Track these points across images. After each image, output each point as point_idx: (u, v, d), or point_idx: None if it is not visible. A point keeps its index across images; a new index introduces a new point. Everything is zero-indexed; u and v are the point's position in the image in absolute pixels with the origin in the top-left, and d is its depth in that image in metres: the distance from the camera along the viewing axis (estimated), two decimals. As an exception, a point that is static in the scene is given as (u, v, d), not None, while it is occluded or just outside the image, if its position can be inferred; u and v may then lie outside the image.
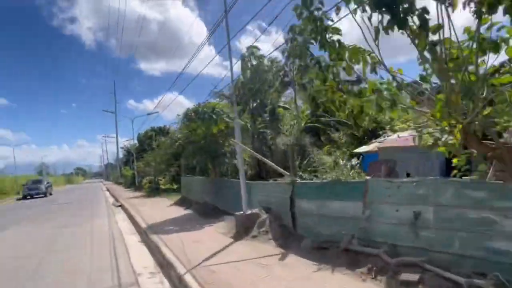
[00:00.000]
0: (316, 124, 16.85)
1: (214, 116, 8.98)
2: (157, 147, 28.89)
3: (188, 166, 14.19)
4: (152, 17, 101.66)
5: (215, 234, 6.85)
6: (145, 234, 7.65)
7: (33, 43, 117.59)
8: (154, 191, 19.14)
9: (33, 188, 27.39)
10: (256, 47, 14.60)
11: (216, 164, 9.61)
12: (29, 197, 26.95)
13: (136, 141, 55.96)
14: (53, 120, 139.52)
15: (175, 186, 20.45)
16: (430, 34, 3.03)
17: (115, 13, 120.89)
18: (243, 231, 6.33)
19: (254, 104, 14.66)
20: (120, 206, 15.26)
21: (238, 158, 6.73)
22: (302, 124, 17.43)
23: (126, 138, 76.28)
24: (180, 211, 10.68)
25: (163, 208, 12.03)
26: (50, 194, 30.55)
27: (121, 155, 55.65)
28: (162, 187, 20.25)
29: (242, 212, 6.58)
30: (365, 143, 21.68)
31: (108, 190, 31.95)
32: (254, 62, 14.61)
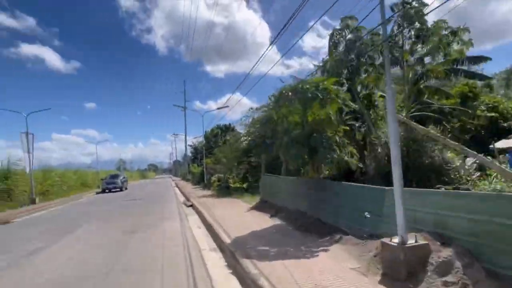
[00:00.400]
0: (426, 113, 13.20)
1: (319, 95, 6.46)
2: (224, 143, 27.79)
3: (270, 164, 11.99)
4: (218, 22, 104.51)
5: (343, 269, 4.31)
6: (231, 255, 5.50)
7: (117, 54, 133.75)
8: (224, 190, 17.54)
9: (110, 183, 28.53)
10: (352, 17, 11.73)
11: (318, 160, 7.08)
12: (107, 191, 28.14)
13: (203, 139, 57.08)
14: (131, 120, 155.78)
15: (244, 185, 18.67)
16: None
17: (186, 21, 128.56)
18: (403, 274, 3.67)
19: (344, 89, 11.76)
20: (191, 206, 13.84)
21: (392, 145, 4.04)
22: (404, 114, 13.90)
23: (194, 135, 78.89)
24: (265, 220, 8.44)
25: (241, 213, 9.99)
26: (126, 188, 31.71)
27: (188, 153, 56.97)
28: (232, 185, 18.58)
29: (398, 241, 3.90)
30: (481, 137, 17.02)
31: (177, 186, 32.05)
32: (349, 36, 11.75)
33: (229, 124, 59.28)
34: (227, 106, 22.73)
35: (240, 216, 9.44)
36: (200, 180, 27.09)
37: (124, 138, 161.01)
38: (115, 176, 30.40)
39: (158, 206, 14.58)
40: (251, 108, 15.24)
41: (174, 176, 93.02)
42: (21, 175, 19.53)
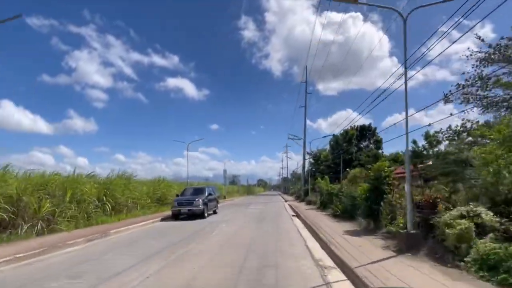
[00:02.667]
0: None
1: None
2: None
3: None
4: (332, 39, 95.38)
5: None
6: None
7: (238, 81, 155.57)
8: None
9: (185, 203, 16.23)
10: None
11: None
12: (185, 216, 16.12)
13: (328, 147, 41.47)
14: (246, 139, 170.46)
15: None
16: None
17: (300, 43, 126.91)
18: None
19: None
20: None
21: None
22: None
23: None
24: None
25: None
26: (214, 212, 19.20)
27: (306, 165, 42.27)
28: None
29: None
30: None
31: (297, 215, 17.56)
32: None
33: (370, 125, 42.22)
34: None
35: None
36: (362, 211, 11.30)
37: (240, 155, 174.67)
38: (197, 192, 18.14)
39: None
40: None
41: (283, 193, 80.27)
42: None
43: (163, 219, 15.73)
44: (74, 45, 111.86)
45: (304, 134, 33.64)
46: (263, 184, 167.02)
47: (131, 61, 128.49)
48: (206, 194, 17.56)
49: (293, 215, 17.84)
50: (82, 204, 13.07)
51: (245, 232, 10.91)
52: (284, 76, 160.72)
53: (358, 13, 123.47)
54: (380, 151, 38.32)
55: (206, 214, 16.46)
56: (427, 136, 40.61)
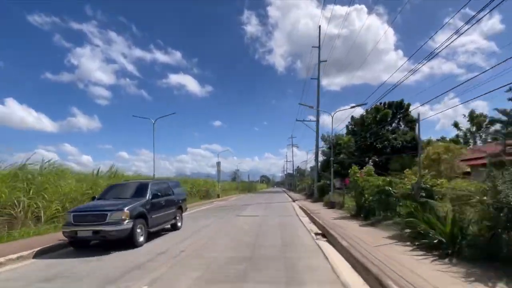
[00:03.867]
0: None
1: None
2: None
3: None
4: (337, 33, 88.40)
5: None
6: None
7: (241, 77, 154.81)
8: None
9: (91, 216, 7.54)
10: None
11: None
12: (98, 242, 7.65)
13: (343, 133, 32.74)
14: (249, 136, 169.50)
15: None
16: None
17: (305, 38, 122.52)
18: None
19: None
20: None
21: None
22: None
23: (311, 148, 55.89)
24: None
25: None
26: (173, 227, 10.59)
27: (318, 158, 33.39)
28: None
29: None
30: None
31: (324, 233, 9.13)
32: None
33: (402, 101, 33.40)
34: None
35: None
36: None
37: (243, 152, 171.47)
38: (132, 191, 9.18)
39: None
40: None
41: (288, 190, 71.78)
42: None
43: (45, 253, 7.21)
44: (76, 42, 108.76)
45: (318, 101, 24.87)
46: (266, 180, 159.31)
47: (133, 58, 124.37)
48: (148, 198, 8.90)
49: (318, 234, 9.32)
50: None
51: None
52: (287, 71, 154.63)
53: (363, 6, 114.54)
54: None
55: (140, 239, 7.87)
56: (471, 117, 28.76)
